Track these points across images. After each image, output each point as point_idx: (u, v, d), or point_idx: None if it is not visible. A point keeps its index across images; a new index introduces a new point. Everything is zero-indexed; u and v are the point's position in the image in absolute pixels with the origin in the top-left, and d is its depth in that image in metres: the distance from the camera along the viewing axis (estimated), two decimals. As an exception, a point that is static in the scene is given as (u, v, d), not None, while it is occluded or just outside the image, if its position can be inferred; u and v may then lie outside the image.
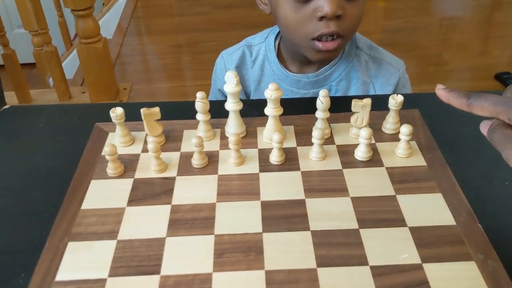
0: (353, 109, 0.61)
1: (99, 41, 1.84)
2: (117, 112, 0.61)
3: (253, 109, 0.68)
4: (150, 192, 0.56)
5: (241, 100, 0.63)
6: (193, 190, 0.56)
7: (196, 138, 0.57)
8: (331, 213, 0.52)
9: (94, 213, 0.53)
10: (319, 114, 0.62)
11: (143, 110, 0.60)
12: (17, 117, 0.74)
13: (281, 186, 0.56)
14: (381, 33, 2.77)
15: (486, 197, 0.55)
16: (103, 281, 0.45)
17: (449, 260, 0.46)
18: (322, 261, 0.46)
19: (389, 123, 0.64)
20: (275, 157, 0.59)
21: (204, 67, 2.36)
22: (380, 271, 0.45)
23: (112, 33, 2.81)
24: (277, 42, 0.89)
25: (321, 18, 0.72)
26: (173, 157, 0.61)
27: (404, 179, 0.56)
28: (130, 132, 0.65)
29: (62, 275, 0.46)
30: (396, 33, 2.74)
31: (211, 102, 0.63)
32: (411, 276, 0.45)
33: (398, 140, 0.60)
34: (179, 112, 0.69)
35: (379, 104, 0.65)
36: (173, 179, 0.58)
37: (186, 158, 0.61)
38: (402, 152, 0.60)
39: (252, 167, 0.59)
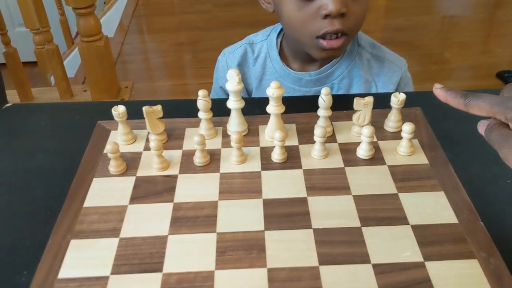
0: (355, 107, 0.61)
1: (100, 40, 1.84)
2: (119, 110, 0.61)
3: (255, 107, 0.68)
4: (152, 190, 0.56)
5: (243, 98, 0.63)
6: (195, 188, 0.56)
7: (198, 136, 0.57)
8: (333, 211, 0.52)
9: (97, 211, 0.53)
10: (321, 112, 0.62)
11: (145, 108, 0.61)
12: (19, 115, 0.74)
13: (283, 184, 0.56)
14: (383, 32, 2.77)
15: (488, 195, 0.55)
16: (105, 278, 0.45)
17: (451, 258, 0.46)
18: (324, 259, 0.46)
19: (391, 121, 0.64)
20: (277, 155, 0.59)
21: (206, 65, 2.36)
22: (382, 269, 0.45)
23: (113, 32, 2.81)
24: (279, 40, 0.89)
25: (326, 16, 0.71)
26: (175, 155, 0.61)
27: (406, 177, 0.56)
28: (132, 130, 0.65)
29: (64, 272, 0.46)
30: (397, 31, 2.73)
31: (213, 100, 0.63)
32: (413, 274, 0.45)
33: (400, 138, 0.60)
34: (181, 110, 0.69)
35: (381, 102, 0.65)
36: (175, 177, 0.58)
37: (188, 156, 0.61)
38: (404, 150, 0.60)
39: (254, 165, 0.59)
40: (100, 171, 0.59)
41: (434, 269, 0.45)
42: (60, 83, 2.01)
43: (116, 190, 0.56)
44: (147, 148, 0.63)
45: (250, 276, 0.45)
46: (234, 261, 0.47)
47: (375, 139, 0.62)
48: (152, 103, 0.62)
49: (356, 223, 0.50)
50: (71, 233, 0.50)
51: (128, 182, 0.57)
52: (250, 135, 0.65)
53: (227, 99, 0.63)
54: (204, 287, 0.44)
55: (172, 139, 0.64)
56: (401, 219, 0.51)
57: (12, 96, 1.98)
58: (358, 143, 0.60)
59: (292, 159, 0.60)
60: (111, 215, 0.52)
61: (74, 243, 0.49)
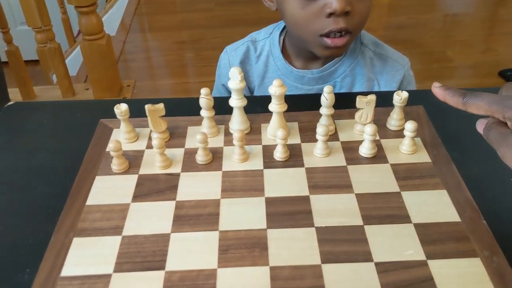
0: (357, 105, 0.61)
1: (102, 38, 1.84)
2: (121, 109, 0.61)
3: (257, 105, 0.68)
4: (154, 188, 0.56)
5: (245, 96, 0.63)
6: (197, 186, 0.56)
7: (201, 134, 0.57)
8: (335, 210, 0.52)
9: (99, 208, 0.53)
10: (324, 110, 0.62)
11: (147, 106, 0.60)
12: (21, 113, 0.74)
13: (285, 183, 0.56)
14: (385, 30, 2.76)
15: (491, 193, 0.55)
16: (108, 276, 0.45)
17: (454, 256, 0.46)
18: (327, 258, 0.46)
19: (393, 120, 0.64)
20: (279, 154, 0.59)
21: (208, 63, 2.36)
22: (384, 267, 0.45)
23: (115, 30, 2.81)
24: (281, 37, 0.89)
25: (330, 14, 0.71)
26: (178, 153, 0.61)
27: (408, 176, 0.56)
28: (135, 128, 0.65)
29: (67, 270, 0.46)
30: (399, 29, 2.73)
31: (215, 99, 0.63)
32: (416, 272, 0.45)
33: (403, 136, 0.60)
34: (183, 108, 0.69)
35: (384, 100, 0.64)
36: (178, 175, 0.58)
37: (190, 155, 0.61)
38: (407, 148, 0.60)
39: (256, 163, 0.59)
40: (102, 169, 0.59)
41: (437, 267, 0.45)
42: (62, 81, 2.01)
43: (118, 188, 0.56)
44: (149, 146, 0.63)
45: (253, 274, 0.45)
46: (237, 259, 0.47)
47: (377, 138, 0.62)
48: (154, 101, 0.62)
49: (359, 221, 0.50)
50: (73, 231, 0.50)
51: (131, 180, 0.57)
52: (252, 133, 0.65)
53: (229, 97, 0.63)
54: (207, 285, 0.44)
55: (175, 137, 0.64)
56: (404, 218, 0.51)
57: (14, 95, 1.98)
58: (360, 142, 0.60)
59: (294, 157, 0.60)
60: (113, 213, 0.52)
61: (76, 241, 0.49)
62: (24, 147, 0.66)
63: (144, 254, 0.47)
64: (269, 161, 0.59)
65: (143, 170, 0.59)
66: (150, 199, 0.54)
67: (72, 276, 0.46)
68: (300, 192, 0.54)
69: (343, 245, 0.48)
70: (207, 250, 0.48)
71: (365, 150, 0.59)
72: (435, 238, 0.48)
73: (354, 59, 0.86)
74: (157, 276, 0.45)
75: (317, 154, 0.60)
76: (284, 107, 0.61)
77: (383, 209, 0.52)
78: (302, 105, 0.68)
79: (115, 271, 0.46)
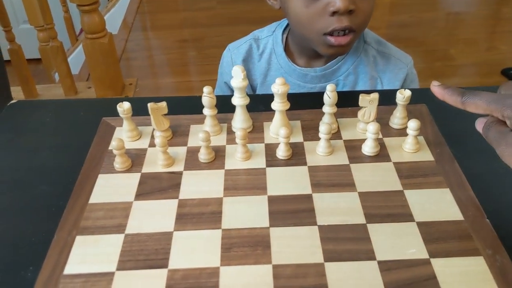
0: (360, 103, 0.61)
1: (104, 36, 1.84)
2: (124, 107, 0.61)
3: (259, 104, 0.68)
4: (157, 186, 0.56)
5: (247, 94, 0.63)
6: (200, 185, 0.56)
7: (203, 132, 0.57)
8: (338, 208, 0.52)
9: (102, 207, 0.53)
10: (326, 108, 0.62)
11: (150, 105, 0.60)
12: (24, 112, 0.74)
13: (288, 181, 0.56)
14: (387, 28, 2.76)
15: (494, 192, 0.55)
16: (111, 274, 0.45)
17: (457, 255, 0.46)
18: (330, 256, 0.46)
19: (396, 118, 0.64)
20: (282, 152, 0.59)
21: (210, 62, 2.36)
22: (387, 266, 0.45)
23: (117, 29, 2.81)
24: (284, 35, 0.89)
25: (334, 13, 0.71)
26: (180, 151, 0.61)
27: (411, 174, 0.56)
28: (137, 126, 0.65)
29: (70, 268, 0.46)
30: (402, 28, 2.72)
31: (218, 97, 0.63)
32: (419, 271, 0.45)
33: (406, 135, 0.60)
34: (185, 107, 0.69)
35: (387, 99, 0.64)
36: (180, 173, 0.58)
37: (193, 153, 0.61)
38: (410, 147, 0.60)
39: (259, 162, 0.59)
40: (105, 167, 0.59)
41: (440, 266, 0.45)
42: (65, 80, 2.02)
43: (121, 186, 0.56)
44: (152, 144, 0.63)
45: (255, 272, 0.45)
46: (240, 257, 0.47)
47: (380, 136, 0.62)
48: (156, 100, 0.62)
49: (361, 220, 0.50)
50: (76, 229, 0.50)
51: (133, 179, 0.57)
52: (255, 132, 0.65)
53: (231, 95, 0.63)
54: (210, 283, 0.44)
55: (177, 135, 0.64)
56: (407, 216, 0.51)
57: (17, 93, 1.99)
58: (363, 140, 0.60)
59: (297, 155, 0.60)
60: (116, 211, 0.53)
61: (79, 239, 0.49)
62: (26, 146, 0.66)
63: (147, 252, 0.47)
64: (271, 160, 0.59)
65: (145, 169, 0.59)
66: (153, 198, 0.54)
67: (75, 274, 0.46)
68: (302, 191, 0.54)
69: (346, 243, 0.48)
70: (210, 249, 0.48)
71: (368, 148, 0.59)
72: (438, 237, 0.48)
73: (357, 58, 0.85)
74: (160, 274, 0.45)
75: (319, 152, 0.60)
76: (287, 105, 0.61)
77: (386, 208, 0.52)
78: (304, 103, 0.68)
79: (118, 269, 0.46)
